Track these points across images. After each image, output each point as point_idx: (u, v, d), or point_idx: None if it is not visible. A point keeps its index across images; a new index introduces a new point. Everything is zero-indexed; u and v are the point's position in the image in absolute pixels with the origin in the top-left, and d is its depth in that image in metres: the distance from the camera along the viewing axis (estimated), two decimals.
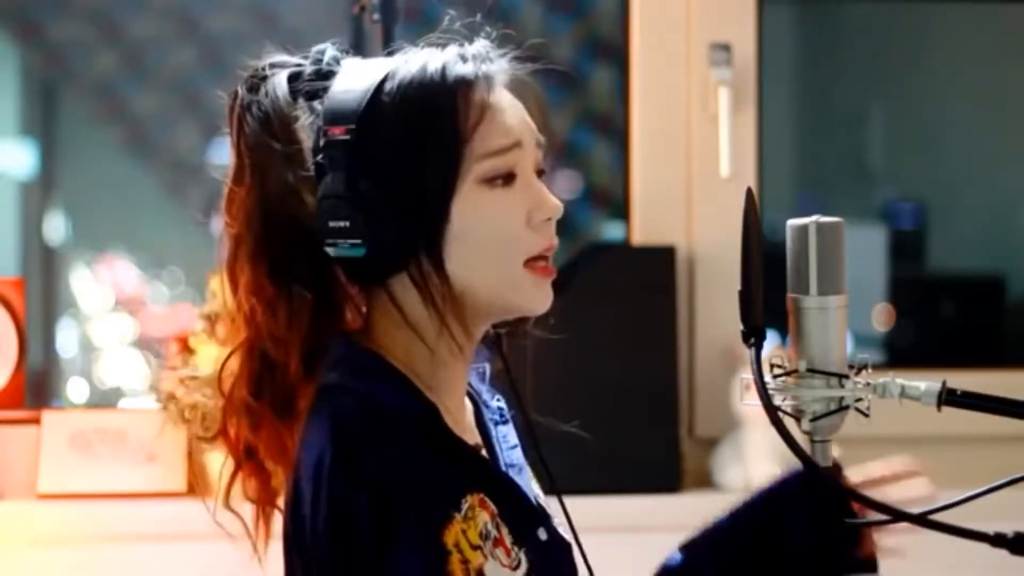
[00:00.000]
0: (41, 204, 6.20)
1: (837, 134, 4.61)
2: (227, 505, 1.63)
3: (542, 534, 1.59)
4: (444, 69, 1.57)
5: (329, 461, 1.50)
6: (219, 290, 2.78)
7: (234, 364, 1.60)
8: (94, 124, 6.19)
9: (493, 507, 1.55)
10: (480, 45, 1.61)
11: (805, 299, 1.52)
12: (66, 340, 6.02)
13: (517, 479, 1.65)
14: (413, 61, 1.58)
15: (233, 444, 1.61)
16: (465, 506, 1.52)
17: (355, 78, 1.58)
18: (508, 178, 1.57)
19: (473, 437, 1.64)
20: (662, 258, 2.95)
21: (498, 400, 1.71)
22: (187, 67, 5.90)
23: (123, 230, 6.18)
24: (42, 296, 6.00)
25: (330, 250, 1.56)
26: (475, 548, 1.51)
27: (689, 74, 3.05)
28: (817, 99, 4.60)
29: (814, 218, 1.52)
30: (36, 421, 2.82)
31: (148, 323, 6.12)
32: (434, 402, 1.57)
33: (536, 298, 1.59)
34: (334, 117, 1.56)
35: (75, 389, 5.85)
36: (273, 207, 1.57)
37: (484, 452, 1.65)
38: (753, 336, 1.51)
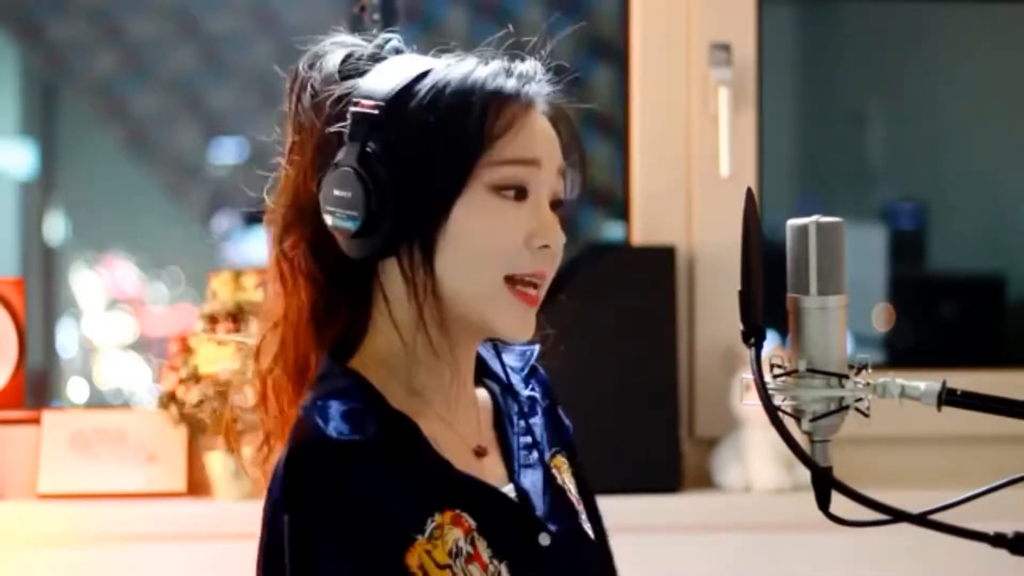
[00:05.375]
0: (41, 204, 6.20)
1: (837, 134, 4.61)
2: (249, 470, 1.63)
3: (543, 539, 1.58)
4: (486, 78, 1.58)
5: (280, 485, 1.51)
6: (219, 290, 2.79)
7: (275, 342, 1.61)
8: (94, 124, 6.19)
9: (471, 522, 1.54)
10: (529, 65, 1.62)
11: (805, 299, 1.52)
12: (66, 340, 6.02)
13: (528, 478, 1.63)
14: (461, 65, 1.59)
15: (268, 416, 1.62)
16: (431, 526, 1.52)
17: (401, 65, 1.59)
18: (520, 193, 1.57)
19: (479, 439, 1.64)
20: (662, 258, 2.95)
21: (532, 389, 1.70)
22: (187, 67, 5.91)
23: (123, 230, 6.18)
24: (42, 296, 6.00)
25: (327, 217, 1.56)
26: (442, 567, 1.51)
27: (689, 74, 3.05)
28: (817, 99, 4.60)
29: (814, 218, 1.52)
30: (36, 421, 2.82)
31: (148, 323, 6.12)
32: (409, 418, 1.55)
33: (512, 323, 1.58)
34: (366, 92, 1.57)
35: (75, 389, 5.85)
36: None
37: (491, 455, 1.63)
38: (753, 336, 1.50)
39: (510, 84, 1.58)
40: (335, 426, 1.52)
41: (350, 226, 1.55)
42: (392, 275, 1.58)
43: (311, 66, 1.61)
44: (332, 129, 1.58)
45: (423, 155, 1.55)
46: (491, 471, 1.62)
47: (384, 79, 1.58)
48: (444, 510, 1.53)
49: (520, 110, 1.58)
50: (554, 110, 1.62)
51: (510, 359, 1.71)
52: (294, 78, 1.62)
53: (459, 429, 1.61)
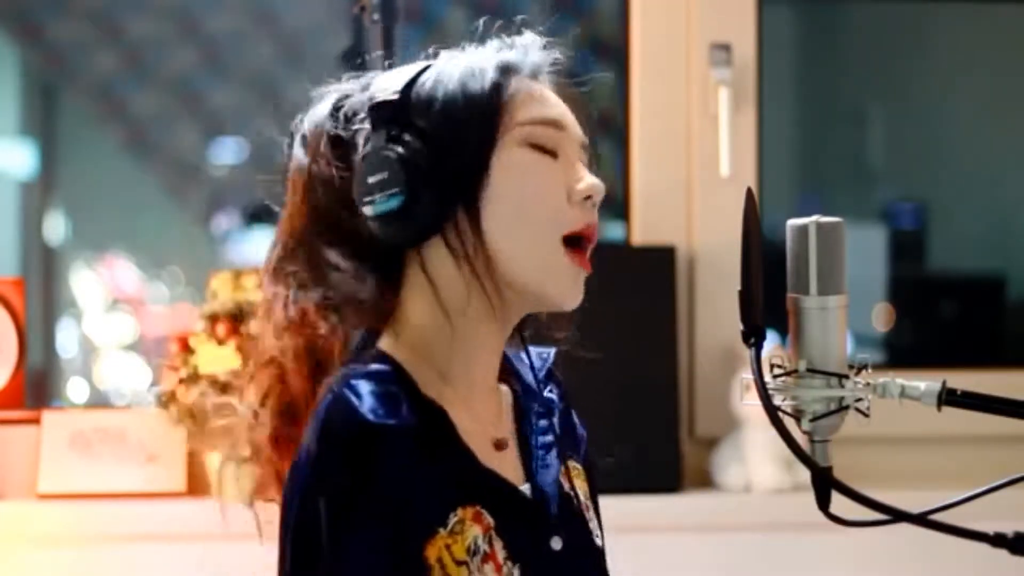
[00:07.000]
0: (41, 204, 6.21)
1: (837, 134, 4.61)
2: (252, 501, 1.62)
3: (555, 544, 1.58)
4: (490, 53, 1.61)
5: (309, 460, 1.49)
6: (219, 290, 2.79)
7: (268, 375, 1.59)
8: (94, 124, 6.20)
9: (490, 520, 1.53)
10: (529, 36, 1.64)
11: (805, 299, 1.52)
12: (66, 340, 6.03)
13: (545, 480, 1.62)
14: (464, 53, 1.62)
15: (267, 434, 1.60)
16: (453, 520, 1.51)
17: (404, 67, 1.62)
18: (553, 153, 1.59)
19: (499, 431, 1.63)
20: (662, 258, 2.95)
21: (551, 391, 1.70)
22: (187, 67, 5.91)
23: (123, 230, 6.19)
24: (42, 296, 6.01)
25: (367, 208, 1.55)
26: (459, 564, 1.50)
27: (689, 74, 3.05)
28: (817, 99, 4.60)
29: (814, 218, 1.52)
30: (36, 421, 2.82)
31: (148, 323, 6.13)
32: (441, 406, 1.54)
33: (569, 290, 1.61)
34: (382, 87, 1.59)
35: (75, 389, 5.85)
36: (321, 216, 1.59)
37: (510, 450, 1.62)
38: (753, 336, 1.50)
39: (514, 56, 1.61)
40: (369, 407, 1.50)
41: (394, 204, 1.54)
42: (437, 258, 1.57)
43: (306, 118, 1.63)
44: (338, 132, 1.59)
45: (448, 122, 1.56)
46: (509, 467, 1.61)
47: (395, 75, 1.60)
48: (466, 505, 1.52)
49: (528, 78, 1.60)
50: (561, 89, 1.63)
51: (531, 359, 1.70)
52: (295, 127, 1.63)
53: (481, 417, 1.60)
